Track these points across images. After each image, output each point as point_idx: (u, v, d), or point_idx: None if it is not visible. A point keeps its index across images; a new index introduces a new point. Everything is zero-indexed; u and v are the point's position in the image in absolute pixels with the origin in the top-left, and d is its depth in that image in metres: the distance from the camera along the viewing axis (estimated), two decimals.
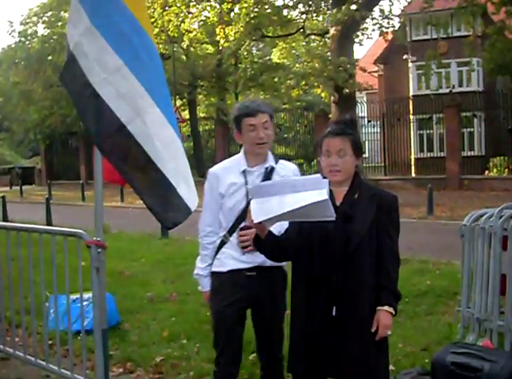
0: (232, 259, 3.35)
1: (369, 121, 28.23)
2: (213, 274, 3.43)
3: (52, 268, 4.22)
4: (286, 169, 3.43)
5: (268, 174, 3.35)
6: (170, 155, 3.27)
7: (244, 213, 3.23)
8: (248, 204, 3.10)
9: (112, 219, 14.14)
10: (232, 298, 3.32)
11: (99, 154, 3.48)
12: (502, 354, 3.49)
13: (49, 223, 14.96)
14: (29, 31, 37.27)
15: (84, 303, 4.53)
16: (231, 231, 3.36)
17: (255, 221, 2.68)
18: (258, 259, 3.24)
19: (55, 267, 4.21)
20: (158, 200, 3.23)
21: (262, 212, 2.64)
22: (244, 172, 3.34)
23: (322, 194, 2.54)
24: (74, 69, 3.33)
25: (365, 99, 30.49)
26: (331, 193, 2.83)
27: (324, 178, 2.77)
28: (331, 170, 2.87)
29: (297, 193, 2.57)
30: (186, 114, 35.34)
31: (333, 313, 2.80)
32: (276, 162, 3.41)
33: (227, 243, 3.37)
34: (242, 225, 3.28)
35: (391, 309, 2.83)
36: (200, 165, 32.98)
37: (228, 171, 3.38)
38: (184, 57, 32.61)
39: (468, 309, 4.91)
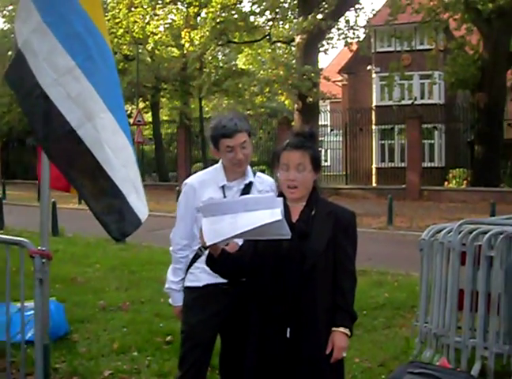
0: (207, 273, 3.12)
1: (331, 130, 28.40)
2: (187, 289, 3.30)
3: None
4: (264, 183, 3.32)
5: (246, 190, 3.22)
6: (121, 162, 3.11)
7: None
8: None
9: (69, 222, 13.82)
10: (208, 313, 3.22)
11: (46, 158, 3.29)
12: (459, 374, 3.43)
13: (1, 225, 14.51)
14: None
15: (30, 312, 4.32)
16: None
17: (208, 244, 2.54)
18: None
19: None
20: (106, 209, 3.07)
21: (215, 234, 2.50)
22: (223, 187, 3.21)
23: (276, 214, 2.42)
24: (22, 68, 3.15)
25: (328, 108, 30.67)
26: (287, 208, 2.73)
27: (279, 195, 2.67)
28: (289, 185, 2.75)
29: (249, 212, 2.45)
30: (148, 117, 35.03)
31: (287, 335, 2.68)
32: (254, 175, 3.29)
33: (201, 257, 3.19)
34: None
35: (346, 331, 2.72)
36: (161, 168, 32.71)
37: (206, 185, 3.22)
38: (149, 59, 32.30)
39: (425, 323, 4.86)
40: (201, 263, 3.17)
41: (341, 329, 2.71)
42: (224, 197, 3.16)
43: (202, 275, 3.20)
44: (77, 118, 3.08)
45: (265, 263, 2.72)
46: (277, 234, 2.53)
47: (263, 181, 3.32)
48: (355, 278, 2.80)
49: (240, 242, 2.86)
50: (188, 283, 3.28)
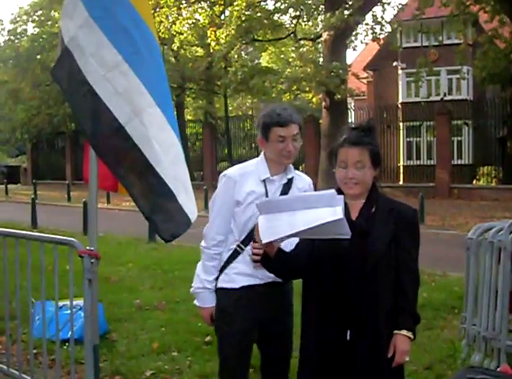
0: (244, 275, 3.02)
1: None
2: (221, 290, 3.07)
3: (40, 273, 3.96)
4: (302, 181, 3.18)
5: (287, 185, 3.07)
6: (170, 160, 3.01)
7: None
8: None
9: (98, 221, 13.78)
10: (247, 319, 3.02)
11: (94, 157, 3.21)
12: None
13: (34, 224, 14.62)
14: (19, 30, 36.98)
15: (67, 312, 4.28)
16: (244, 243, 3.02)
17: (264, 242, 2.44)
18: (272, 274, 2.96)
19: (44, 272, 3.95)
20: (156, 208, 2.97)
21: (271, 231, 2.40)
22: (265, 181, 3.04)
23: (337, 212, 2.32)
24: (69, 65, 3.08)
25: (353, 105, 30.39)
26: (346, 206, 2.59)
27: (338, 191, 2.55)
28: (347, 183, 2.63)
29: (309, 209, 2.35)
30: None
31: (347, 338, 2.57)
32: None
33: (238, 256, 3.03)
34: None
35: (409, 334, 2.60)
36: (187, 168, 32.74)
37: (246, 177, 3.04)
38: (173, 59, 32.35)
39: (473, 326, 4.71)
40: (237, 262, 3.04)
41: (404, 332, 2.59)
42: (266, 191, 3.01)
43: (238, 277, 3.03)
44: (125, 114, 3.00)
45: (324, 263, 2.61)
46: (337, 234, 2.42)
47: (302, 178, 3.19)
48: (418, 278, 2.67)
49: (296, 240, 2.75)
50: (223, 284, 3.06)
